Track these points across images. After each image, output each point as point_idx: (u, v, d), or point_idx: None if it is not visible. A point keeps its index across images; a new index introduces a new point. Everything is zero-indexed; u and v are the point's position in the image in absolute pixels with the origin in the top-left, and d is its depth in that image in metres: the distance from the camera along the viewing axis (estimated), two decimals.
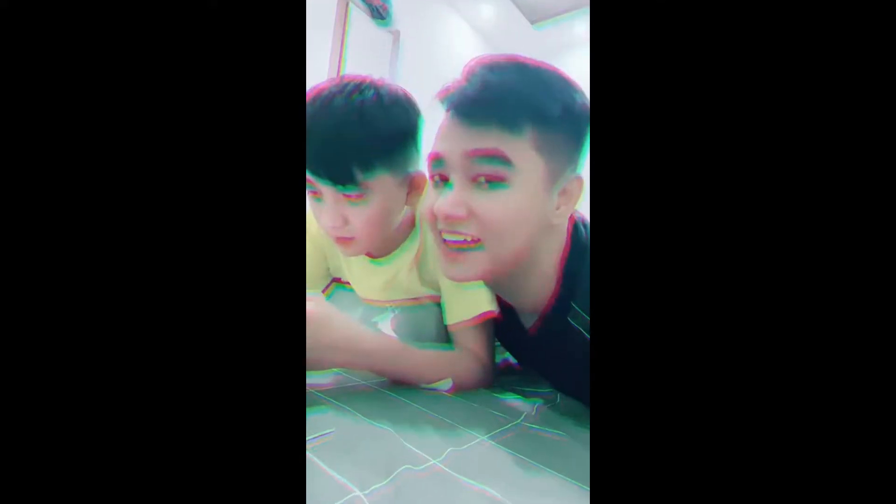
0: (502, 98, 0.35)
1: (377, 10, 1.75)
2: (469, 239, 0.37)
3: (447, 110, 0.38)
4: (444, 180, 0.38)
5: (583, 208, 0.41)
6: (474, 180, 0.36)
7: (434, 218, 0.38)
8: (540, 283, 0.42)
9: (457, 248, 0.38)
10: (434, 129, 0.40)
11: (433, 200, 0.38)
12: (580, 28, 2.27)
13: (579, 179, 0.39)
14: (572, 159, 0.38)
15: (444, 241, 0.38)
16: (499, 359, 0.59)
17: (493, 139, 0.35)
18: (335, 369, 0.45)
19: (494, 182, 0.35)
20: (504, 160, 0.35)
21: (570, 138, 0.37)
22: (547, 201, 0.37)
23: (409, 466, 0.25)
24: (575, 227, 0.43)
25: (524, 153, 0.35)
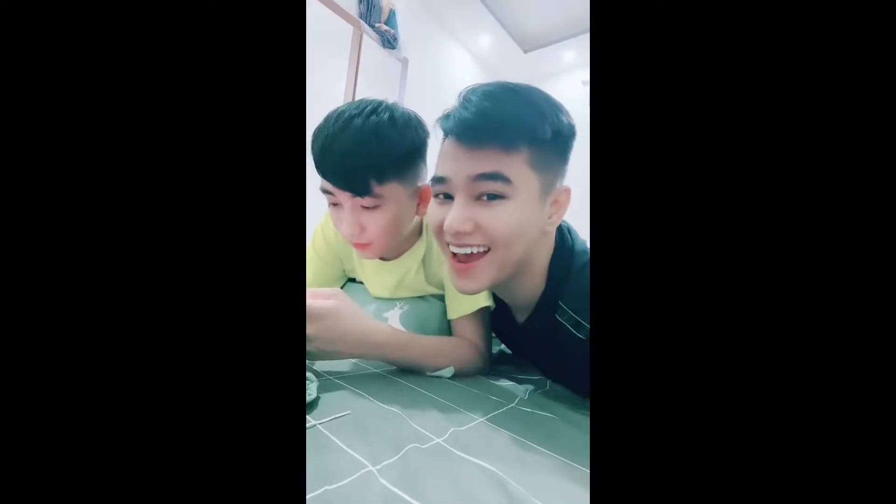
0: (499, 123, 0.35)
1: (388, 38, 1.79)
2: (477, 250, 0.38)
3: (446, 135, 0.38)
4: (447, 197, 0.39)
5: (581, 211, 0.41)
6: (477, 197, 0.37)
7: (441, 231, 0.39)
8: (531, 284, 0.43)
9: (466, 260, 0.38)
10: (436, 150, 0.40)
11: (438, 215, 0.39)
12: (569, 55, 2.30)
13: (567, 190, 0.40)
14: (559, 172, 0.39)
15: (454, 254, 0.39)
16: (495, 349, 0.60)
17: (493, 161, 0.35)
18: (351, 359, 0.45)
19: (494, 196, 0.36)
20: (504, 179, 0.35)
21: (557, 154, 0.38)
22: (541, 211, 0.38)
23: (416, 444, 0.26)
24: (560, 231, 0.44)
25: (520, 170, 0.36)
